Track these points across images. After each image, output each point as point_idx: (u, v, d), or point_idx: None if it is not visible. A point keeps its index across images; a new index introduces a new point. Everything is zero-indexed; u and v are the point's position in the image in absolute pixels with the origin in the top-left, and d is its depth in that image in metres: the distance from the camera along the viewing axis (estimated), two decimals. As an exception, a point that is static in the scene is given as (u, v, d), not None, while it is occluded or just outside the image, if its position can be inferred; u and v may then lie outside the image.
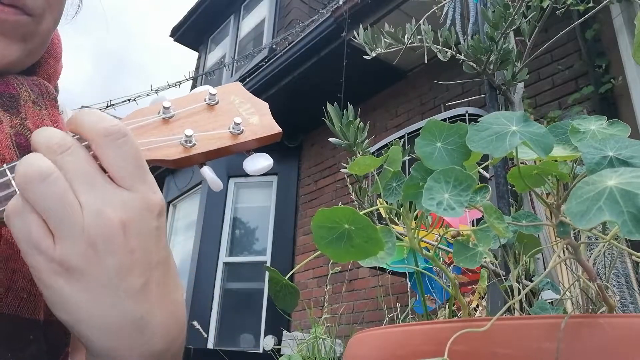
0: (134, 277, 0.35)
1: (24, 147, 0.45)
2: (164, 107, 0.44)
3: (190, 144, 0.43)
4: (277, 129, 0.46)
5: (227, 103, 0.47)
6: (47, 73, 0.55)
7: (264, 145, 0.47)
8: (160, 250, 0.37)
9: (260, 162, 0.45)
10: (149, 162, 0.40)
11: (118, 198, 0.35)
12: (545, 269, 0.84)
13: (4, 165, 0.38)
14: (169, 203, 6.00)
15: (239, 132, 0.44)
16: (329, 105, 1.00)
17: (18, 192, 0.35)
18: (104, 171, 0.36)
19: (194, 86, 7.34)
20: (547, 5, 1.05)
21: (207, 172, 0.44)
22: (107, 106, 5.31)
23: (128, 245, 0.35)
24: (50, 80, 0.55)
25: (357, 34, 1.20)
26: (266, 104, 0.48)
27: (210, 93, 0.46)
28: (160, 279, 0.38)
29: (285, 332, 3.47)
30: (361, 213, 0.43)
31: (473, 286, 1.74)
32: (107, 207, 0.34)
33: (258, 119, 0.46)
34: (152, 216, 0.36)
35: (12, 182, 0.37)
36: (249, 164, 0.45)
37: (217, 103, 0.47)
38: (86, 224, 0.34)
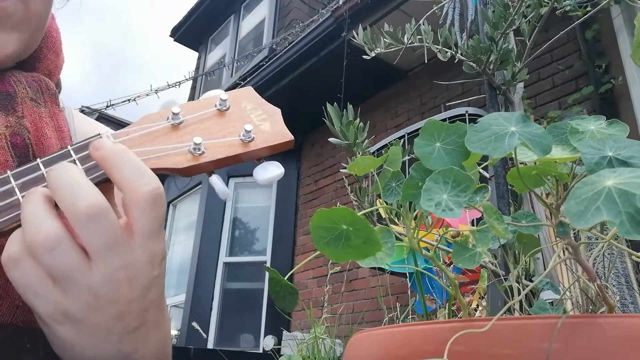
0: (130, 321, 0.37)
1: (20, 147, 0.44)
2: (173, 113, 0.43)
3: (199, 152, 0.41)
4: (289, 136, 0.45)
5: (238, 109, 0.46)
6: (48, 68, 0.53)
7: (275, 153, 0.45)
8: (157, 293, 0.38)
9: (271, 171, 0.44)
10: (156, 170, 0.40)
11: (129, 258, 0.35)
12: (545, 269, 0.84)
13: (8, 172, 0.37)
14: (169, 203, 6.00)
15: (249, 139, 0.43)
16: (328, 106, 1.00)
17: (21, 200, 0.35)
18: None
19: (194, 86, 7.34)
20: (545, 12, 1.05)
21: (215, 181, 0.43)
22: (107, 106, 5.31)
23: (129, 296, 0.36)
24: (52, 76, 0.53)
25: (357, 34, 1.20)
26: (278, 110, 0.47)
27: (221, 99, 0.45)
28: (153, 317, 0.39)
29: (285, 332, 3.47)
30: (360, 213, 0.43)
31: (473, 286, 1.74)
32: (117, 267, 0.35)
33: (270, 125, 0.45)
34: (154, 267, 0.37)
35: (16, 189, 0.36)
36: (259, 172, 0.44)
37: (228, 109, 0.45)
38: (94, 282, 0.34)
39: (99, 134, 0.40)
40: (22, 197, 0.36)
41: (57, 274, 0.34)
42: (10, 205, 0.36)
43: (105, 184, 0.38)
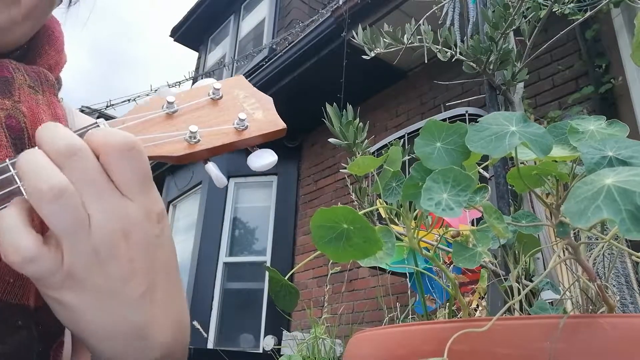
0: (135, 285, 0.36)
1: (16, 130, 0.44)
2: (168, 102, 0.43)
3: (195, 140, 0.42)
4: (281, 124, 0.46)
5: (231, 97, 0.46)
6: (48, 63, 0.54)
7: (268, 141, 0.46)
8: (162, 257, 0.38)
9: (265, 158, 0.45)
10: (153, 158, 0.40)
11: (122, 208, 0.35)
12: (545, 269, 0.84)
13: (7, 160, 0.37)
14: (169, 203, 6.00)
15: (243, 127, 0.44)
16: (328, 106, 1.00)
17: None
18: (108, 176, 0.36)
19: (194, 86, 7.34)
20: (545, 14, 1.05)
21: (211, 168, 0.44)
22: (107, 106, 5.31)
23: (129, 254, 0.35)
24: (52, 71, 0.54)
25: (357, 34, 1.20)
26: (270, 99, 0.48)
27: (214, 88, 0.46)
28: (162, 286, 0.38)
29: (285, 332, 3.47)
30: (360, 213, 0.43)
31: (473, 286, 1.74)
32: (111, 217, 0.35)
33: (262, 114, 0.46)
34: (152, 224, 0.37)
35: (16, 177, 0.36)
36: (253, 159, 0.45)
37: (221, 97, 0.46)
38: (92, 235, 0.34)
39: (96, 122, 0.40)
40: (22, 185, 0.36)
41: (63, 226, 0.33)
42: (12, 192, 0.36)
43: None
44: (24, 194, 0.35)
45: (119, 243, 0.35)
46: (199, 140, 0.42)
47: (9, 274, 0.40)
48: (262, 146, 0.46)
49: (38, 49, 0.53)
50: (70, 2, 0.60)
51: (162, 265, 0.38)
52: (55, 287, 0.35)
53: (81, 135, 0.38)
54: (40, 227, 0.36)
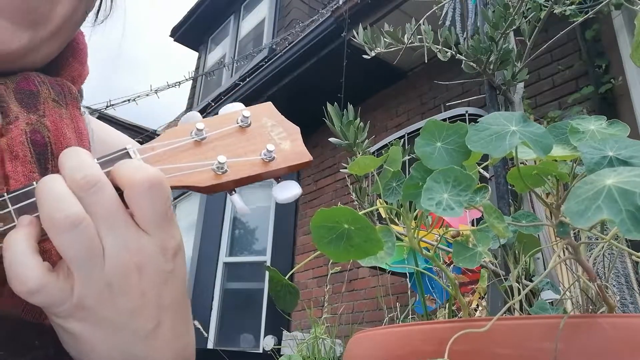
0: (144, 319, 0.36)
1: (40, 145, 0.44)
2: (197, 129, 0.43)
3: (222, 171, 0.42)
4: (308, 156, 0.45)
5: (259, 126, 0.46)
6: (71, 76, 0.54)
7: (292, 172, 0.46)
8: (173, 293, 0.38)
9: (290, 190, 0.44)
10: (179, 187, 0.40)
11: (137, 242, 0.35)
12: (545, 269, 0.84)
13: (5, 194, 0.37)
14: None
15: (270, 159, 0.43)
16: (329, 105, 1.00)
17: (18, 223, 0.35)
18: (126, 206, 0.36)
19: (193, 86, 7.34)
20: (545, 15, 1.05)
21: (236, 199, 0.43)
22: (107, 106, 5.30)
23: (140, 287, 0.36)
24: (74, 83, 0.54)
25: (357, 34, 1.20)
26: (297, 129, 0.47)
27: (243, 115, 0.45)
28: (171, 322, 0.38)
29: (285, 332, 3.47)
30: (361, 213, 0.43)
31: (473, 286, 1.74)
32: (126, 250, 0.35)
33: (289, 144, 0.45)
34: (167, 259, 0.37)
35: (13, 215, 0.36)
36: (278, 191, 0.44)
37: (249, 125, 0.45)
38: (105, 267, 0.34)
39: (125, 149, 0.40)
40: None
41: (76, 257, 0.34)
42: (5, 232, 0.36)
43: None
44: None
45: (132, 277, 0.35)
46: (226, 171, 0.42)
47: None
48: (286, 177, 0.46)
49: (62, 60, 0.53)
50: (96, 19, 0.60)
51: (172, 300, 0.38)
52: (63, 315, 0.35)
53: (110, 162, 0.39)
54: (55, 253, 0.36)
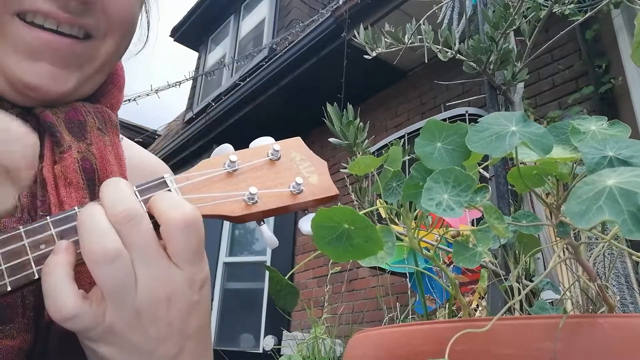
0: (169, 346, 0.38)
1: (89, 172, 0.47)
2: (231, 161, 0.45)
3: (253, 202, 0.44)
4: (334, 190, 0.47)
5: (288, 159, 0.48)
6: (110, 103, 0.56)
7: (319, 205, 0.47)
8: (197, 322, 0.40)
9: None
10: (211, 217, 0.43)
11: (168, 274, 0.38)
12: (545, 269, 0.84)
13: (48, 218, 0.39)
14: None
15: (299, 192, 0.45)
16: (328, 106, 1.00)
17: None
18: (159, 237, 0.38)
19: (193, 86, 7.34)
20: (545, 14, 1.05)
21: (265, 230, 0.46)
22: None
23: (168, 317, 0.38)
24: (113, 109, 0.56)
25: (358, 34, 1.20)
26: (325, 163, 0.49)
27: (274, 149, 0.47)
28: (192, 350, 0.40)
29: (285, 332, 3.47)
30: (361, 213, 0.43)
31: (473, 286, 1.74)
32: (157, 282, 0.37)
33: (317, 178, 0.47)
34: (194, 291, 0.39)
35: (55, 237, 0.38)
36: (304, 224, 0.46)
37: (279, 159, 0.47)
38: (137, 297, 0.37)
39: (162, 177, 0.43)
40: (33, 256, 0.38)
41: (112, 288, 0.36)
42: (22, 264, 0.38)
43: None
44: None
45: (161, 307, 0.37)
46: (256, 202, 0.44)
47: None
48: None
49: (102, 87, 0.56)
50: (142, 48, 0.63)
51: (195, 329, 0.40)
52: (94, 339, 0.37)
53: (147, 190, 0.41)
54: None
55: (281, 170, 0.47)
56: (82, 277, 0.41)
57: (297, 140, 0.50)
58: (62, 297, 0.35)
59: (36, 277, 0.37)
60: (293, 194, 0.45)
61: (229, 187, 0.44)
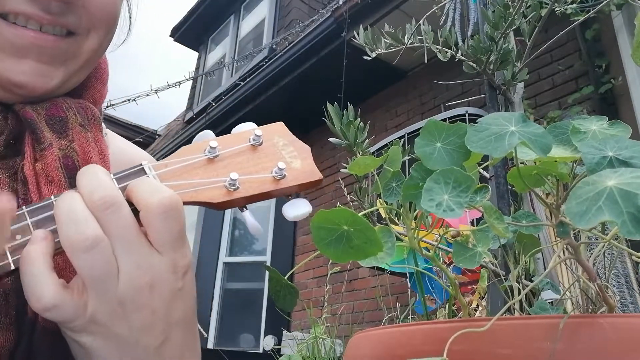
0: (154, 335, 0.38)
1: (71, 169, 0.46)
2: (211, 147, 0.44)
3: (234, 188, 0.43)
4: (318, 175, 0.46)
5: (271, 145, 0.47)
6: (93, 97, 0.56)
7: (303, 191, 0.47)
8: (182, 310, 0.40)
9: (300, 208, 0.45)
10: (192, 203, 0.42)
11: (149, 261, 0.37)
12: (545, 269, 0.84)
13: (23, 207, 0.38)
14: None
15: (281, 177, 0.44)
16: (329, 105, 1.00)
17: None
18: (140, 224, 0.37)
19: (194, 86, 7.34)
20: (545, 12, 1.05)
21: (247, 216, 0.45)
22: (107, 106, 5.30)
23: (152, 305, 0.37)
24: (96, 104, 0.56)
25: (358, 34, 1.20)
26: (308, 148, 0.48)
27: (255, 134, 0.46)
28: (177, 338, 0.40)
29: (285, 332, 3.47)
30: (361, 214, 0.43)
31: (473, 286, 1.74)
32: (139, 269, 0.36)
33: (300, 163, 0.46)
34: (177, 277, 0.38)
35: (31, 227, 0.37)
36: (288, 209, 0.45)
37: (261, 144, 0.46)
38: (119, 286, 0.36)
39: (140, 165, 0.42)
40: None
41: (93, 276, 0.35)
42: (25, 243, 0.37)
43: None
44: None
45: (144, 294, 0.37)
46: (237, 188, 0.43)
47: None
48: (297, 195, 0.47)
49: (85, 82, 0.55)
50: (124, 39, 0.62)
51: (180, 317, 0.39)
52: (76, 330, 0.36)
53: (125, 178, 0.40)
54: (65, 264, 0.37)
55: (263, 155, 0.46)
56: (68, 270, 0.41)
57: (280, 125, 0.49)
58: (42, 287, 0.34)
59: (12, 267, 0.36)
60: (275, 179, 0.44)
61: (209, 174, 0.43)
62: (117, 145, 0.61)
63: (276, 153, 0.46)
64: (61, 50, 0.48)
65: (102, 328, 0.36)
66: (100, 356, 0.37)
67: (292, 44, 4.29)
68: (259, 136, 0.46)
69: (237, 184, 0.43)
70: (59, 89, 0.50)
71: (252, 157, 0.45)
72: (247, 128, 0.47)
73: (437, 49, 1.13)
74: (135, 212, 0.38)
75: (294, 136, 0.49)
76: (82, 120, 0.50)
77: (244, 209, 0.45)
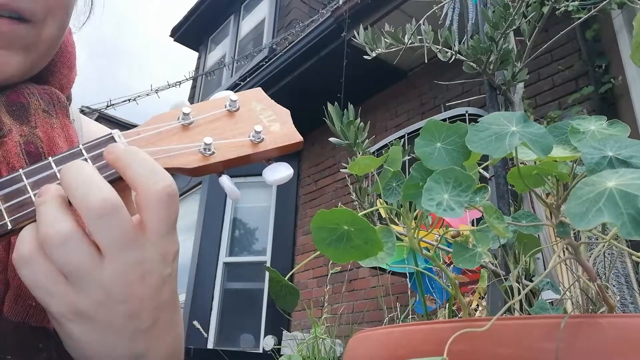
0: (142, 320, 0.37)
1: (34, 155, 0.45)
2: (184, 114, 0.43)
3: (209, 152, 0.42)
4: (298, 137, 0.45)
5: (248, 110, 0.46)
6: (60, 82, 0.54)
7: (284, 154, 0.45)
8: (169, 293, 0.39)
9: (280, 172, 0.44)
10: (166, 170, 0.40)
11: (142, 255, 0.36)
12: (545, 269, 0.84)
13: (20, 170, 0.37)
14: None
15: (259, 140, 0.43)
16: (329, 105, 1.00)
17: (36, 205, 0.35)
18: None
19: (194, 86, 7.34)
20: (546, 12, 1.05)
21: (225, 181, 0.43)
22: (107, 106, 5.30)
23: (141, 294, 0.36)
24: (63, 89, 0.54)
25: (358, 34, 1.20)
26: (288, 112, 0.47)
27: (231, 99, 0.45)
28: (165, 320, 0.39)
29: (285, 332, 3.47)
30: (361, 214, 0.43)
31: (473, 286, 1.74)
32: (130, 264, 0.35)
33: (279, 126, 0.45)
34: (167, 265, 0.38)
35: (28, 188, 0.37)
36: (268, 173, 0.44)
37: (237, 110, 0.45)
38: (105, 278, 0.35)
39: (110, 134, 0.41)
40: (35, 195, 0.36)
41: (69, 270, 0.34)
42: (22, 203, 0.36)
43: (120, 183, 0.38)
44: (35, 203, 0.36)
45: (134, 285, 0.36)
46: (213, 153, 0.42)
47: (31, 298, 0.41)
48: (278, 159, 0.46)
49: (50, 66, 0.54)
50: (85, 20, 0.61)
51: (167, 301, 0.39)
52: (64, 319, 0.36)
53: (96, 147, 0.39)
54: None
55: (240, 120, 0.44)
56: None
57: (257, 91, 0.48)
58: (60, 217, 0.34)
59: (10, 227, 0.35)
60: (253, 143, 0.43)
61: (183, 140, 0.42)
62: (90, 129, 0.60)
63: (253, 117, 0.45)
64: (18, 35, 0.46)
65: (89, 318, 0.36)
66: (87, 342, 0.36)
67: (292, 44, 4.29)
68: (235, 101, 0.45)
69: (212, 148, 0.42)
70: (19, 76, 0.48)
71: (228, 122, 0.44)
72: (222, 95, 0.46)
73: (437, 49, 1.13)
74: (113, 181, 0.37)
75: (273, 101, 0.48)
76: (45, 105, 0.49)
77: (222, 174, 0.43)
